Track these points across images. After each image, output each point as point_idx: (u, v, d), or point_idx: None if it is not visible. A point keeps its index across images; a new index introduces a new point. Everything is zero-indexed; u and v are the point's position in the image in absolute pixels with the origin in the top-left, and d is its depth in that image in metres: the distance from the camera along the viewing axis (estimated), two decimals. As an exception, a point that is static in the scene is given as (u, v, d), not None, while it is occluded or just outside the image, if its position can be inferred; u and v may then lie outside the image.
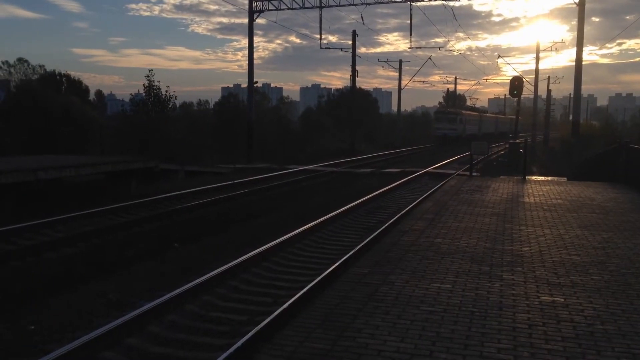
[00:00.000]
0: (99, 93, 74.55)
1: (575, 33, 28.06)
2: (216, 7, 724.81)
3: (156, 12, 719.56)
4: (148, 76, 31.64)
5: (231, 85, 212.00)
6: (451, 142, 51.35)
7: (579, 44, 27.63)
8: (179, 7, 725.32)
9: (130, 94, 35.81)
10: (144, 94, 32.59)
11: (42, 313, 7.23)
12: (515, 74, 41.00)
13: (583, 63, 27.72)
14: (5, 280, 8.59)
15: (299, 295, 7.48)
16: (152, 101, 32.05)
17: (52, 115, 33.70)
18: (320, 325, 4.93)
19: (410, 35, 37.20)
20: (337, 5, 32.74)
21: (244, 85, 49.78)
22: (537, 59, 48.88)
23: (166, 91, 32.28)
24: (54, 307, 7.46)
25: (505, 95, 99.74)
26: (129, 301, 7.67)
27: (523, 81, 26.50)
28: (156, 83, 31.85)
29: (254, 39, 32.64)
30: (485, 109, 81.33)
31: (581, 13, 27.55)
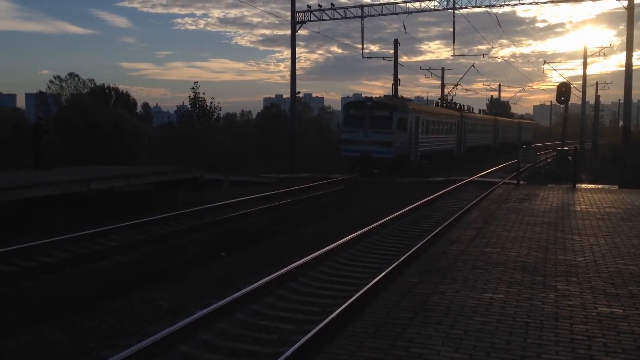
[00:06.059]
0: (145, 105, 76.77)
1: (624, 37, 27.38)
2: (259, 19, 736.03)
3: (201, 26, 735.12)
4: (193, 88, 32.35)
5: (273, 96, 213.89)
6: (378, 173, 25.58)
7: (629, 48, 26.90)
8: (223, 21, 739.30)
9: (176, 106, 36.70)
10: (189, 106, 33.29)
11: (97, 319, 7.43)
12: (562, 80, 40.12)
13: (633, 68, 27.01)
14: (61, 287, 8.88)
15: (348, 304, 7.46)
16: (197, 112, 32.69)
17: (101, 127, 34.79)
18: (372, 335, 4.91)
19: (454, 42, 37.12)
20: (378, 15, 32.73)
21: (286, 95, 50.32)
22: (585, 64, 47.64)
23: (211, 103, 32.92)
24: (108, 313, 7.66)
25: (551, 102, 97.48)
26: (180, 308, 7.81)
27: (570, 87, 25.89)
28: (201, 95, 32.50)
29: (296, 49, 32.93)
30: (526, 116, 77.55)
31: (630, 17, 26.89)
